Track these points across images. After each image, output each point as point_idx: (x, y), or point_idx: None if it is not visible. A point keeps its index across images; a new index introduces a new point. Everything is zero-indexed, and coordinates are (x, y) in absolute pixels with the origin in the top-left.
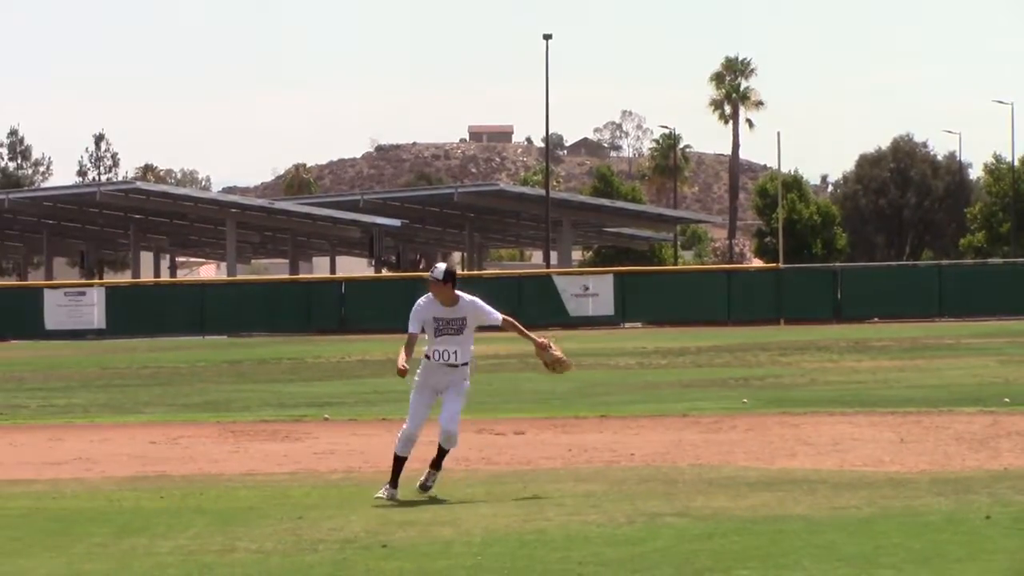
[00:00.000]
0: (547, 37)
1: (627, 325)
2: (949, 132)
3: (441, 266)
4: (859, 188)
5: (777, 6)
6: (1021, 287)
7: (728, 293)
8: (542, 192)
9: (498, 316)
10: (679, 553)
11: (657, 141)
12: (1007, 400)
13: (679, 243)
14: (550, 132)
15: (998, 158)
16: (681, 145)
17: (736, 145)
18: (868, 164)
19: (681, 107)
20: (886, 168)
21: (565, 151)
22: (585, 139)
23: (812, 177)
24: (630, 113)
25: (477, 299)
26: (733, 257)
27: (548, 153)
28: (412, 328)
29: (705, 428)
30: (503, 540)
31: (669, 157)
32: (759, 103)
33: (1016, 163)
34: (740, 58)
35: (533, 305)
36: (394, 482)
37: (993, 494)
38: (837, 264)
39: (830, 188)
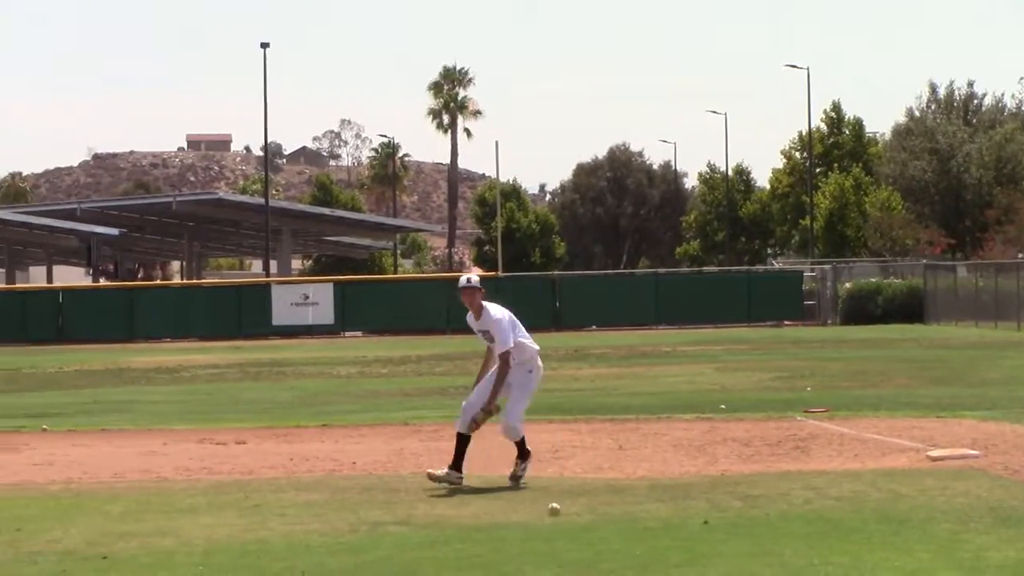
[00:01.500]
0: (264, 45)
1: (347, 334)
2: (664, 142)
3: (464, 276)
4: (577, 197)
5: (494, 15)
6: (735, 295)
7: (448, 302)
8: (261, 201)
9: (503, 351)
10: (401, 562)
11: (376, 150)
12: (723, 407)
13: (399, 252)
14: (269, 140)
15: (712, 167)
16: (400, 154)
17: (455, 154)
18: (585, 173)
19: (400, 116)
20: (603, 177)
21: (284, 160)
22: (304, 148)
23: (531, 186)
24: (349, 122)
25: (501, 321)
26: (453, 266)
27: (267, 161)
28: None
29: (427, 436)
30: (225, 550)
31: (388, 166)
32: (477, 112)
33: (729, 172)
34: (458, 67)
35: (250, 314)
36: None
37: (711, 500)
38: (555, 272)
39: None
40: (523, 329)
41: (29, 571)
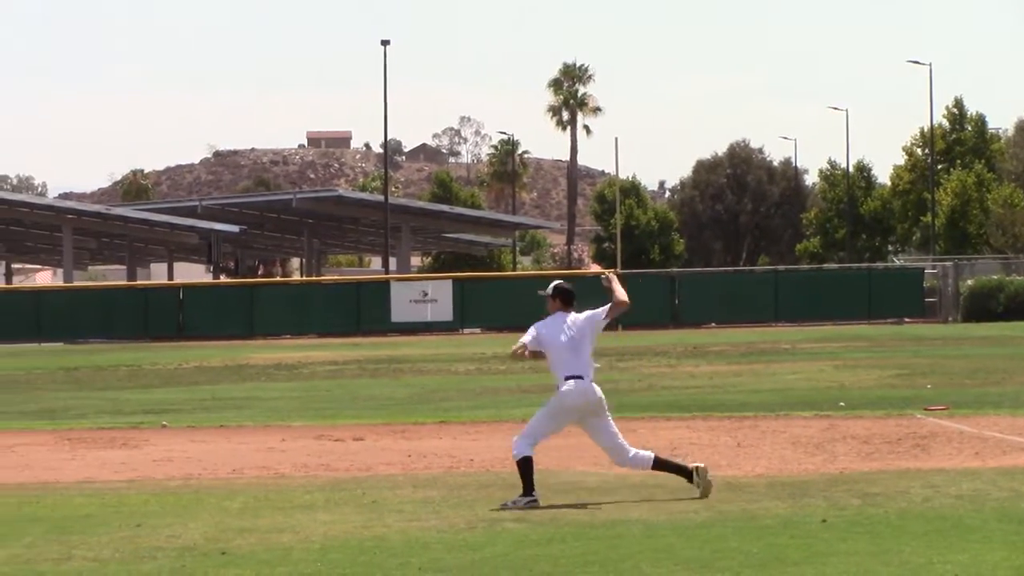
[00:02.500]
0: (385, 43)
1: (466, 331)
2: (785, 138)
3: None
4: (696, 194)
5: (615, 13)
6: (856, 292)
7: None
8: (381, 198)
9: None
10: (518, 559)
11: (495, 147)
12: (842, 404)
13: (518, 249)
14: (388, 138)
15: (833, 164)
16: (519, 151)
17: (574, 151)
18: (705, 170)
19: (519, 113)
20: (723, 174)
21: (404, 157)
22: (424, 145)
23: (650, 183)
24: (468, 119)
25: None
26: (572, 263)
27: (387, 159)
28: None
29: None
30: (342, 546)
31: (507, 163)
32: (597, 109)
33: (850, 169)
34: (578, 64)
35: (369, 310)
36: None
37: (829, 498)
38: (674, 269)
39: (667, 194)
40: (571, 347)
41: (148, 567)
